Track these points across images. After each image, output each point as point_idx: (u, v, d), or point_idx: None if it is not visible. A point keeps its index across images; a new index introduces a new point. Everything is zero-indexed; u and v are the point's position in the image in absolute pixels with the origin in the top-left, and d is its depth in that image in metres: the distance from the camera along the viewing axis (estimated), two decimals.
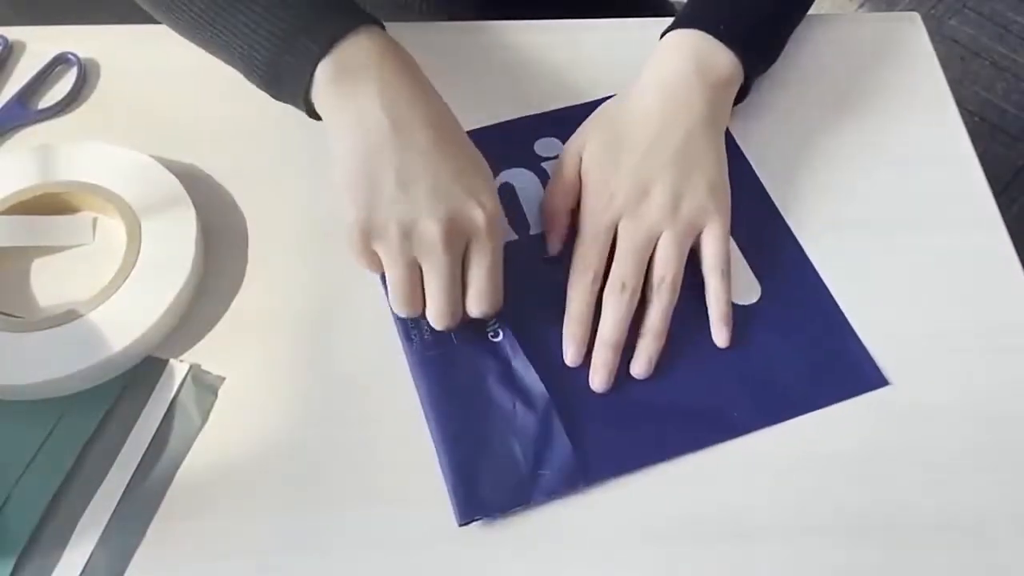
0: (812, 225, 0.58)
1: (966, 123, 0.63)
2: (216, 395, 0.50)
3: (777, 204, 0.59)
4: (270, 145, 0.60)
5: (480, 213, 0.48)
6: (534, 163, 0.60)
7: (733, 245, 0.56)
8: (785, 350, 0.52)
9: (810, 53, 0.66)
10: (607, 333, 0.51)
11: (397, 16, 0.74)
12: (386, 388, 0.51)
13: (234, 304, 0.54)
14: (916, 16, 0.69)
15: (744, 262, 0.56)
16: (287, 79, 0.51)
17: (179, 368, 0.51)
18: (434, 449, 0.49)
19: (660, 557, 0.46)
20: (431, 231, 0.47)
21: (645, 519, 0.47)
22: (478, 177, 0.50)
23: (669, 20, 0.60)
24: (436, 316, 0.49)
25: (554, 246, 0.55)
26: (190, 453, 0.48)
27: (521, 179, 0.59)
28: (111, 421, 0.49)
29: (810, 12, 0.65)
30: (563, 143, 0.58)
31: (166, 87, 0.62)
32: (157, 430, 0.49)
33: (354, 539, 0.46)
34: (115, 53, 0.64)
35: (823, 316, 0.54)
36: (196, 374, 0.51)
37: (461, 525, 0.46)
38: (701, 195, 0.53)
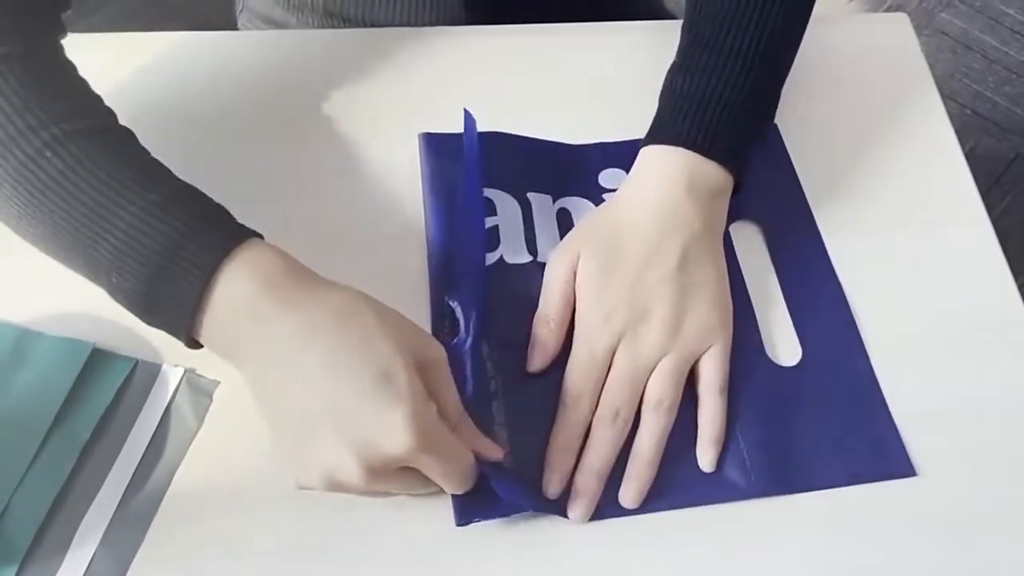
0: None
1: (958, 116, 0.63)
2: (211, 399, 0.51)
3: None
4: (272, 150, 0.59)
5: (390, 443, 0.42)
6: (595, 193, 0.59)
7: (781, 301, 0.55)
8: (817, 421, 0.51)
9: (797, 54, 0.66)
10: (594, 461, 0.48)
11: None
12: None
13: None
14: (904, 16, 0.69)
15: (788, 320, 0.55)
16: (163, 315, 0.45)
17: (174, 373, 0.51)
18: None
19: (657, 555, 0.47)
20: (352, 479, 0.42)
21: (641, 516, 0.48)
22: (388, 388, 0.42)
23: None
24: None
25: (536, 363, 0.51)
26: (186, 456, 0.49)
27: (579, 207, 0.58)
28: (108, 425, 0.49)
29: None
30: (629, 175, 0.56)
31: (170, 91, 0.62)
32: (153, 434, 0.49)
33: (349, 541, 0.47)
34: (127, 58, 0.63)
35: (860, 391, 0.52)
36: (191, 378, 0.51)
37: (458, 525, 0.47)
38: (703, 312, 0.51)
